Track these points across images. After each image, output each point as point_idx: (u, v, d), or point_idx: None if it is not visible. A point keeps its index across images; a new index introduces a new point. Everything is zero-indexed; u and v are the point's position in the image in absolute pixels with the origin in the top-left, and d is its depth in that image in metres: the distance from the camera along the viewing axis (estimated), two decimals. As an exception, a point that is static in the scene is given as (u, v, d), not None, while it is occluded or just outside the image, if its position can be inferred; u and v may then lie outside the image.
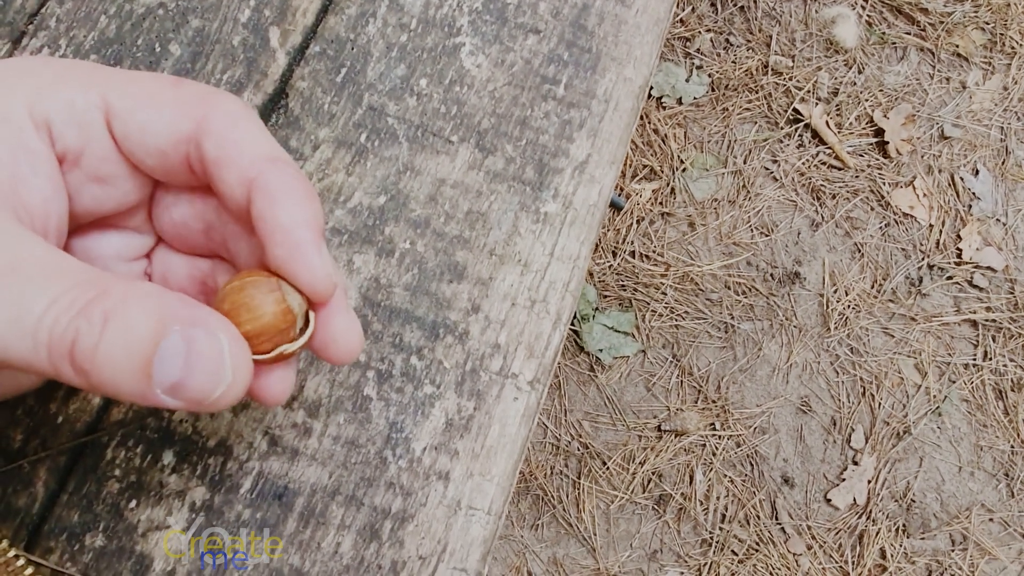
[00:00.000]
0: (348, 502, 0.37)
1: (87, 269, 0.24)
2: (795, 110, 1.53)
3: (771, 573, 1.30)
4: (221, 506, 0.36)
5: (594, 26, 0.45)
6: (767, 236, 1.47)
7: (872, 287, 1.45)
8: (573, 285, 0.42)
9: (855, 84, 1.54)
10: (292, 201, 0.26)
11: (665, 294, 1.42)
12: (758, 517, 1.33)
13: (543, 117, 0.43)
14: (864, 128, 1.53)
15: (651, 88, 1.53)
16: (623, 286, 1.41)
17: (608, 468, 1.33)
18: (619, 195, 1.44)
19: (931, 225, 1.49)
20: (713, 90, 1.53)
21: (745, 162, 1.50)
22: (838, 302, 1.43)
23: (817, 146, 1.52)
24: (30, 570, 0.32)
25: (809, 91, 1.53)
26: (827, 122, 1.51)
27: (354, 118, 0.42)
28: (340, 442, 0.38)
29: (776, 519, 1.34)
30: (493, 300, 0.40)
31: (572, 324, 1.41)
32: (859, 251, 1.47)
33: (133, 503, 0.36)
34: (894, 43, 1.58)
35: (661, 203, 1.47)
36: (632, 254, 1.44)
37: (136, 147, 0.27)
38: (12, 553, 0.31)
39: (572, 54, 0.45)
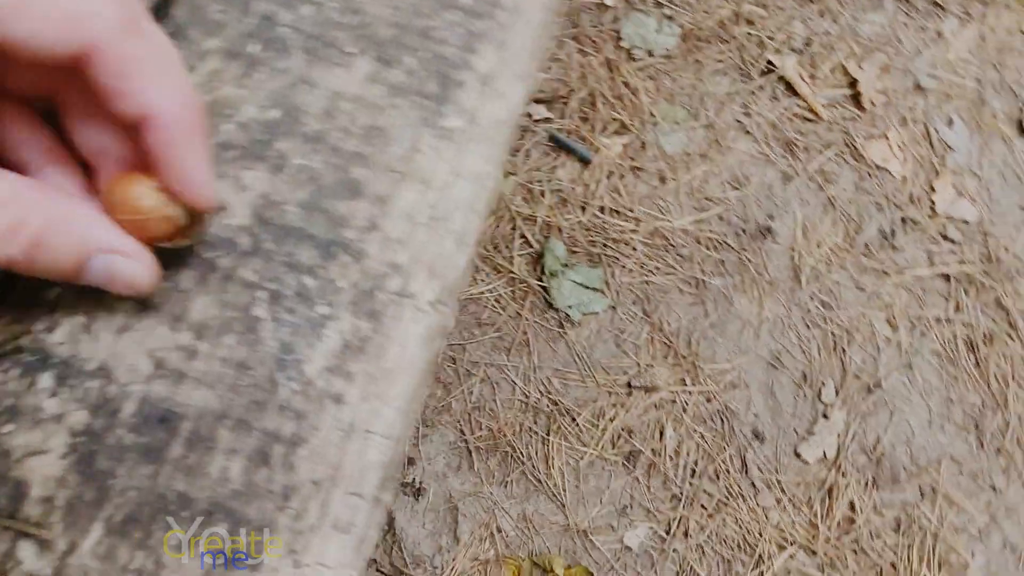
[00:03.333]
0: (237, 426, 0.36)
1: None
2: (768, 61, 1.50)
3: (740, 527, 1.31)
4: (102, 431, 0.35)
5: (506, -65, 0.43)
6: (738, 190, 1.45)
7: (844, 241, 1.44)
8: (480, 205, 0.40)
9: (829, 34, 1.51)
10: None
11: (635, 249, 1.40)
12: (728, 472, 1.33)
13: (446, 28, 0.41)
14: (838, 79, 1.50)
15: (620, 39, 1.50)
16: (592, 242, 1.40)
17: (577, 425, 1.33)
18: (587, 148, 1.41)
19: (905, 178, 1.47)
20: (684, 41, 1.50)
21: (717, 115, 1.47)
22: (809, 256, 1.42)
23: (790, 98, 1.49)
24: None
25: (783, 42, 1.50)
26: (800, 74, 1.48)
27: (243, 27, 0.39)
28: (229, 364, 0.36)
29: (746, 473, 1.34)
30: (392, 218, 0.38)
31: (540, 280, 1.39)
32: (832, 204, 1.45)
33: (9, 428, 0.34)
34: (870, -8, 1.55)
35: (631, 157, 1.45)
36: (601, 209, 1.42)
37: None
38: None
39: (482, -36, 0.43)
